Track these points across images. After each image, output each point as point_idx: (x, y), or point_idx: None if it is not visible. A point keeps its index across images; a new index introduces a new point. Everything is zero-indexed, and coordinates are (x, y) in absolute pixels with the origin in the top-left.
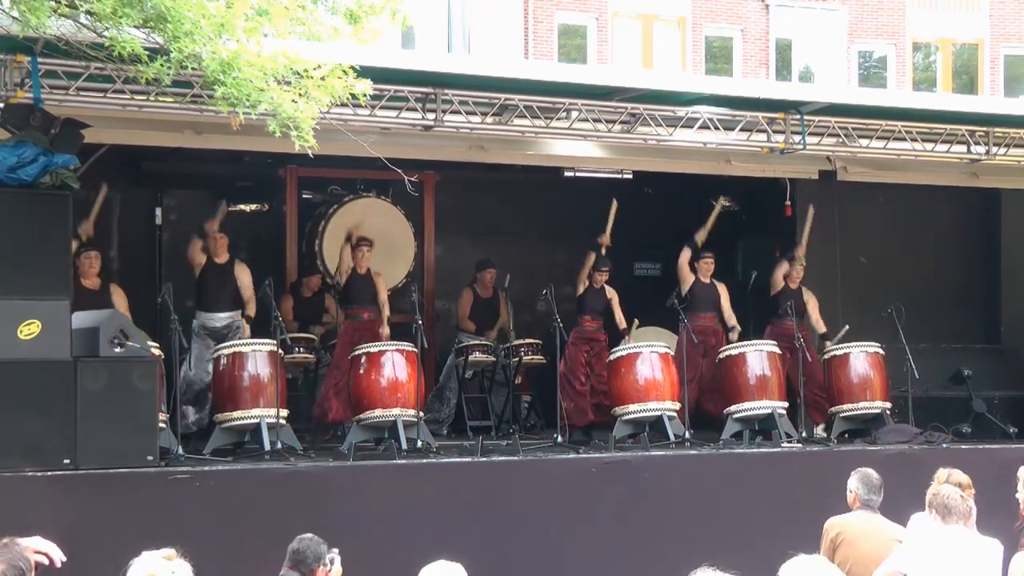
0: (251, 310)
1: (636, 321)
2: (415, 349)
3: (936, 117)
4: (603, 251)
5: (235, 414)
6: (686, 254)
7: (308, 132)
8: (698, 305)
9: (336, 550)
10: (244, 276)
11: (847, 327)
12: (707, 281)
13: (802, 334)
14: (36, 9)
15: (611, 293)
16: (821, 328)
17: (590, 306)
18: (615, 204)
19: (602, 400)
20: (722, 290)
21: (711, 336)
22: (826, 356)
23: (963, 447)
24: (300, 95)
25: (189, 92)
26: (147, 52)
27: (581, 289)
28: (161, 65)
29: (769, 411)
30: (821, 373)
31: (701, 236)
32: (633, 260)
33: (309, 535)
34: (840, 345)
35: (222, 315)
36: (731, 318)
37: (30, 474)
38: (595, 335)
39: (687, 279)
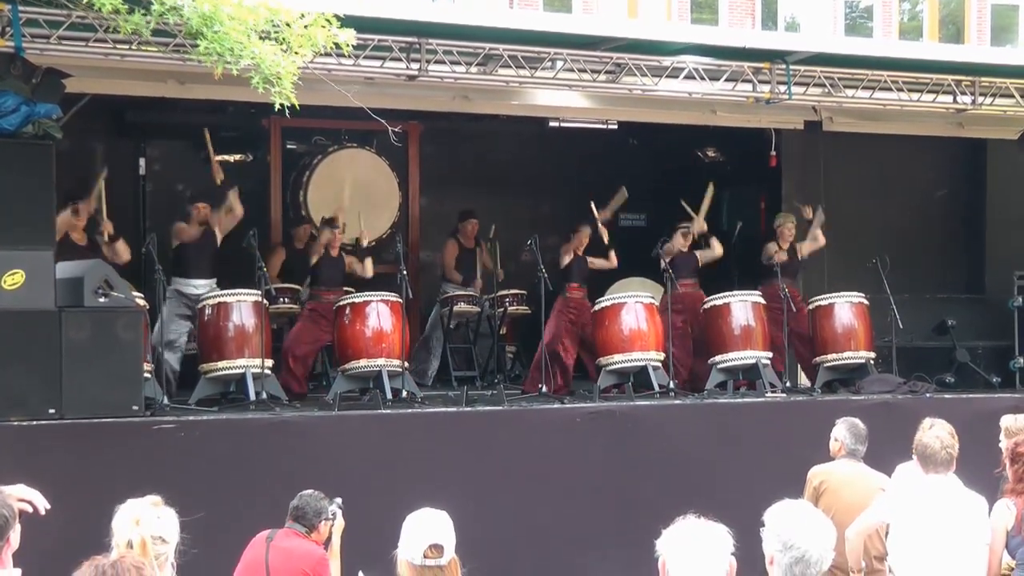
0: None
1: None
2: (400, 299)
3: (922, 67)
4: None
5: (220, 364)
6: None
7: (290, 88)
8: (678, 273)
9: (338, 501)
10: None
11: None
12: (685, 250)
13: (788, 288)
14: None
15: (589, 258)
16: (809, 248)
17: (577, 273)
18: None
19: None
20: (700, 255)
21: (696, 302)
22: (811, 307)
23: (946, 397)
24: (283, 49)
25: (172, 41)
26: (127, 3)
27: (567, 260)
28: (139, 19)
29: (753, 361)
30: (808, 328)
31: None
32: (618, 211)
33: (309, 491)
34: (825, 296)
35: (201, 282)
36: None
37: (15, 424)
38: (581, 303)
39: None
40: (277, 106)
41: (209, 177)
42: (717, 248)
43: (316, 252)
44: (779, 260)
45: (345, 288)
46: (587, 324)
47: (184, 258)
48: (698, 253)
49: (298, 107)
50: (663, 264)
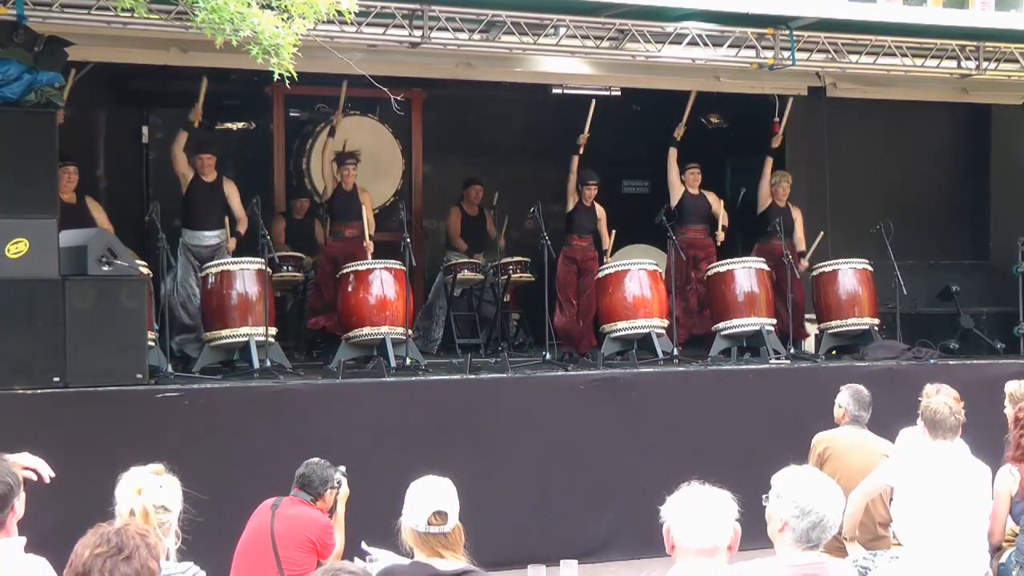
0: (242, 228)
1: (613, 232)
2: (403, 267)
3: (926, 32)
4: (581, 150)
5: (224, 332)
6: (672, 154)
7: (288, 58)
8: (687, 217)
9: (342, 468)
10: (233, 194)
11: (821, 233)
12: (696, 192)
13: (789, 250)
14: None
15: (600, 212)
16: (801, 246)
17: (579, 224)
18: (593, 102)
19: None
20: (712, 199)
21: (700, 249)
22: (814, 273)
23: (951, 363)
24: (283, 19)
25: (174, 9)
26: None
27: (571, 204)
28: None
29: (757, 328)
30: (801, 294)
31: (679, 131)
32: (621, 177)
33: (316, 459)
34: (828, 262)
35: (209, 234)
36: (724, 218)
37: (19, 392)
38: (585, 253)
39: (676, 186)
40: (276, 77)
41: (190, 115)
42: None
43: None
44: (766, 198)
45: (359, 223)
46: (590, 273)
47: (192, 209)
48: (710, 196)
49: (296, 78)
50: (664, 219)
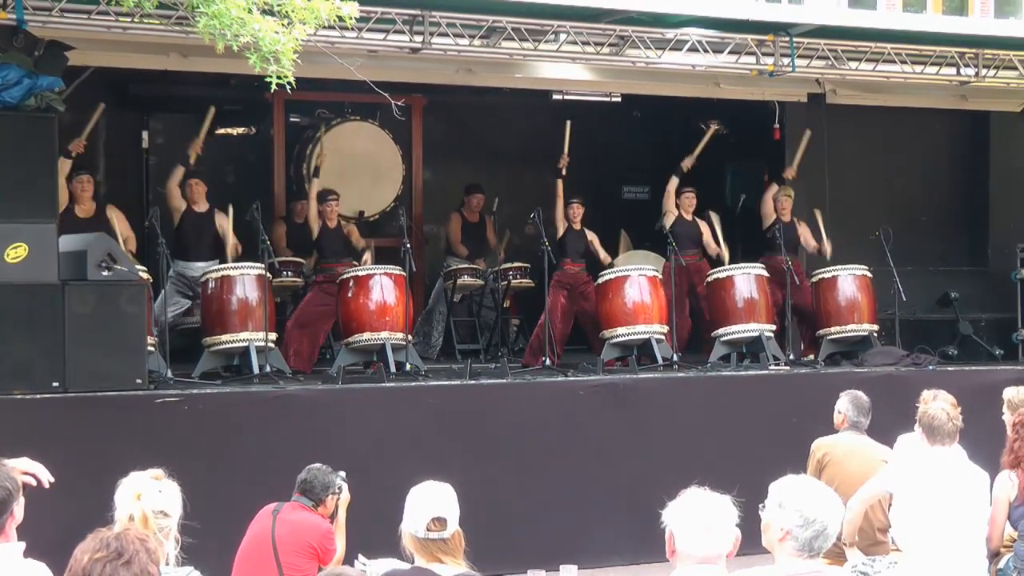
0: (231, 253)
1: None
2: (403, 272)
3: (925, 39)
4: (563, 172)
5: (224, 337)
6: (673, 183)
7: (288, 65)
8: (680, 242)
9: (342, 474)
10: (224, 223)
11: (817, 213)
12: (689, 218)
13: (792, 263)
14: None
15: (591, 236)
16: (813, 245)
17: (571, 248)
18: (568, 124)
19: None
20: (704, 227)
21: (695, 274)
22: (814, 279)
23: (949, 369)
24: (283, 25)
25: (174, 14)
26: None
27: (561, 230)
28: None
29: (756, 334)
30: (811, 299)
31: (688, 163)
32: (621, 184)
33: (318, 465)
34: (828, 268)
35: (199, 265)
36: (715, 249)
37: (19, 397)
38: (576, 277)
39: (671, 211)
40: (274, 86)
41: (189, 149)
42: (715, 223)
43: (314, 222)
44: (769, 215)
45: (352, 261)
46: (586, 298)
47: (183, 240)
48: (702, 224)
49: (294, 86)
50: (664, 228)
